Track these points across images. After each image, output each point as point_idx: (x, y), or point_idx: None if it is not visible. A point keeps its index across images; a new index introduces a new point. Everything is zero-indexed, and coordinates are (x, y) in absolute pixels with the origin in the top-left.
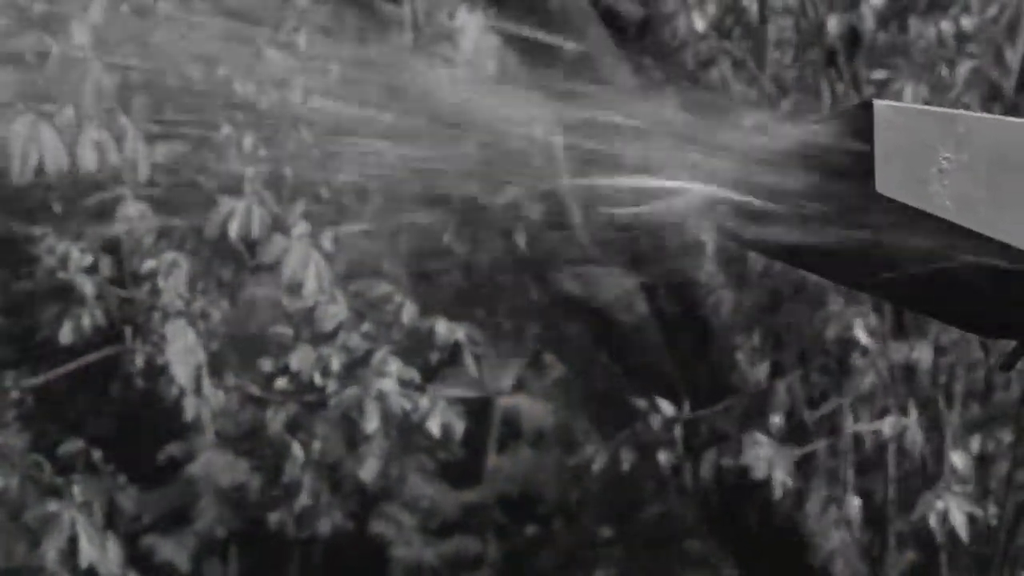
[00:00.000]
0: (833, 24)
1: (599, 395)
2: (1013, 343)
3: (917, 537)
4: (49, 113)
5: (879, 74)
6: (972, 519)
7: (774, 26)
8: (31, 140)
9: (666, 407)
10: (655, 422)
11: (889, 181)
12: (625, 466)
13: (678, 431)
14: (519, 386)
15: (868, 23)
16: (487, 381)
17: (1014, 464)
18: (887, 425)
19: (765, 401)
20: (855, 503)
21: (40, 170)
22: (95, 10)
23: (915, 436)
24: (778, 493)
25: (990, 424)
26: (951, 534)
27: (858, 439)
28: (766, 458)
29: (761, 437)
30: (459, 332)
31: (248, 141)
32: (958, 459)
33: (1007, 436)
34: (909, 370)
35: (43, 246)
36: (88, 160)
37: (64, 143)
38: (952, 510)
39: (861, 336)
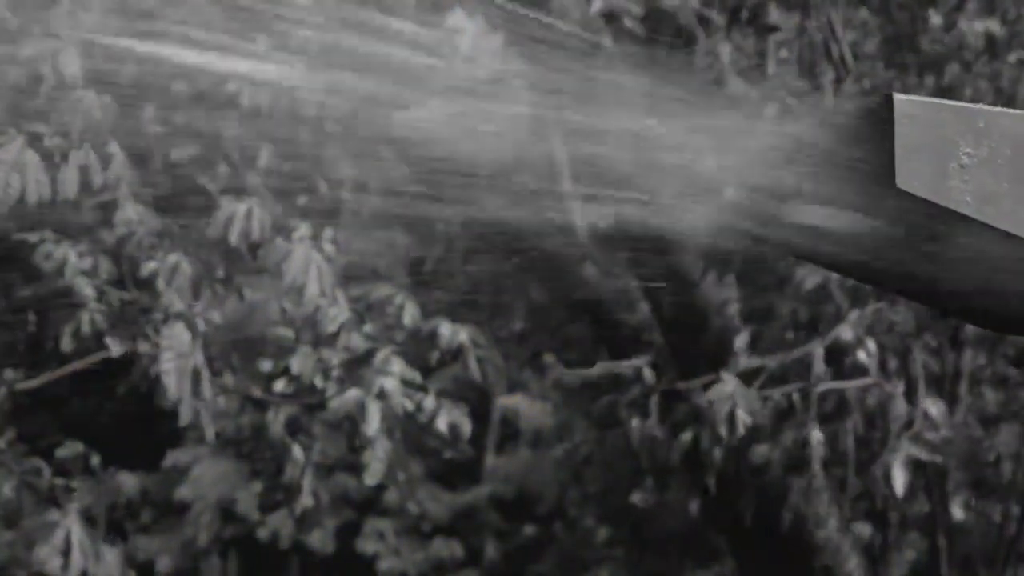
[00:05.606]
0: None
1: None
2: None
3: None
4: (39, 135)
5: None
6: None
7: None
8: (15, 168)
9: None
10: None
11: (909, 176)
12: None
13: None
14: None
15: None
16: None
17: (1017, 463)
18: None
19: None
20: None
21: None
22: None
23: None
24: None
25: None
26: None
27: None
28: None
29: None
30: (462, 334)
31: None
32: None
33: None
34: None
35: (41, 250)
36: (70, 185)
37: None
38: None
39: None
